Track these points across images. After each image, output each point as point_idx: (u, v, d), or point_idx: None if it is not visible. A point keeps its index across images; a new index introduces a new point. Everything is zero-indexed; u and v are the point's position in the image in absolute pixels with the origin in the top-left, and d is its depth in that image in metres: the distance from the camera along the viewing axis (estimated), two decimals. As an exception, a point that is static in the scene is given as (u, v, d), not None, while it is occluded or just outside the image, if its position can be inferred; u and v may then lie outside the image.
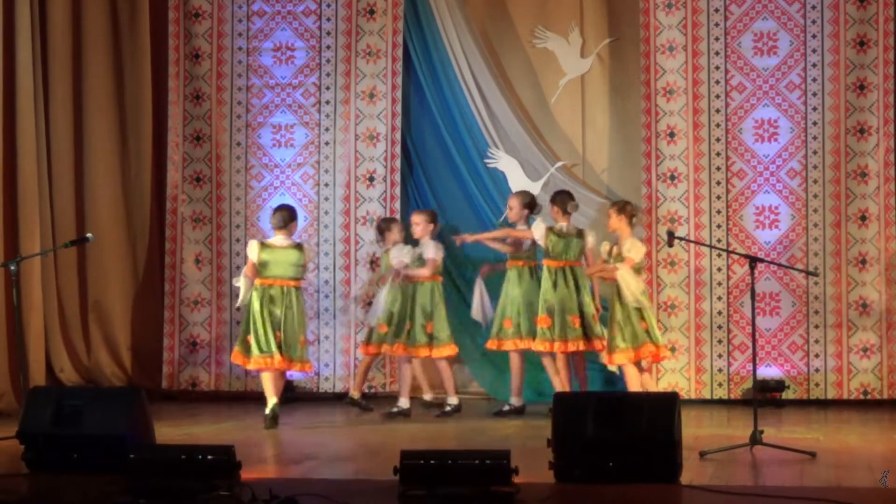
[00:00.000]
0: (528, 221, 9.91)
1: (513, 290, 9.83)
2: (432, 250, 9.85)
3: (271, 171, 11.18)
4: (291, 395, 10.75)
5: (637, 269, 9.23)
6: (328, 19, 11.17)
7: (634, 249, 9.18)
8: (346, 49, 11.10)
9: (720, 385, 10.41)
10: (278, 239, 9.39)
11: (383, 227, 10.25)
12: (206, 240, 11.14)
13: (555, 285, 9.60)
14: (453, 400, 9.83)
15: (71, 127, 10.85)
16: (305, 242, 10.14)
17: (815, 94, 10.44)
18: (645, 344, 9.08)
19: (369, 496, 6.07)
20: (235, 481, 5.95)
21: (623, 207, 9.32)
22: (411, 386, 9.91)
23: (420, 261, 9.87)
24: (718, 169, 10.53)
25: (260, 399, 10.20)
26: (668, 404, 6.36)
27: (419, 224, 9.95)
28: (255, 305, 9.19)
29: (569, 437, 6.30)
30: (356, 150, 11.01)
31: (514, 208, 9.94)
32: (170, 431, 8.44)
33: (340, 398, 10.85)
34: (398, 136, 11.00)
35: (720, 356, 10.40)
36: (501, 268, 10.09)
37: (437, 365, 9.88)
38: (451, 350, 9.88)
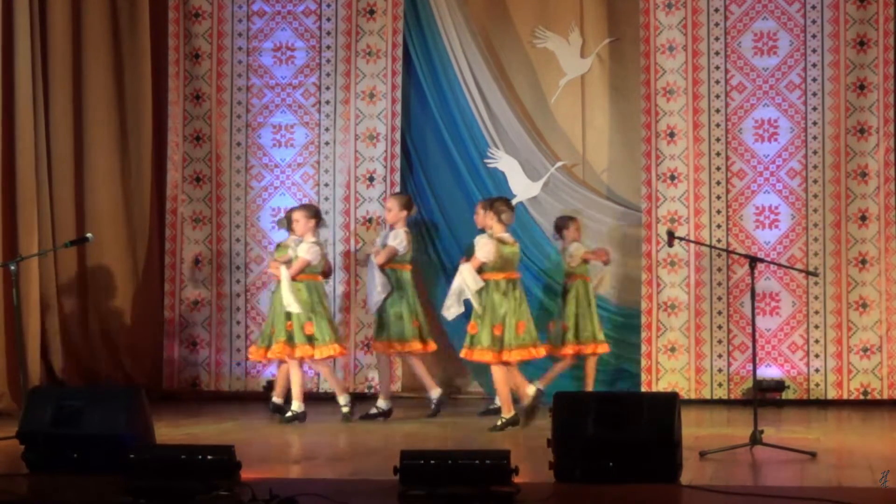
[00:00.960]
0: (406, 222, 9.76)
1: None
2: (304, 249, 9.46)
3: (271, 171, 11.18)
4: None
5: (497, 268, 9.03)
6: (328, 19, 11.17)
7: (482, 249, 9.03)
8: (346, 49, 11.10)
9: (720, 385, 10.41)
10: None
11: (561, 224, 10.10)
12: (206, 240, 11.14)
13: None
14: (342, 400, 9.56)
15: (71, 127, 10.85)
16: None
17: (815, 94, 10.44)
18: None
19: (369, 496, 6.07)
20: (235, 481, 5.95)
21: (491, 204, 9.26)
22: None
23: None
24: (718, 169, 10.54)
25: (259, 399, 10.22)
26: (668, 404, 6.36)
27: (299, 220, 9.58)
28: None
29: (569, 437, 6.30)
30: (356, 150, 11.01)
31: (392, 210, 9.73)
32: (170, 431, 8.43)
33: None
34: (398, 136, 11.00)
35: (720, 356, 10.40)
36: None
37: (317, 367, 9.65)
38: (332, 350, 9.55)
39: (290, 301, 9.35)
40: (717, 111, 10.54)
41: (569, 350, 9.91)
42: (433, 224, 11.29)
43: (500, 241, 9.06)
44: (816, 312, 10.35)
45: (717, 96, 10.54)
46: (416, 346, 9.69)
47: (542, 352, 9.33)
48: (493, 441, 8.33)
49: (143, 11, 11.18)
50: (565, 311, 9.92)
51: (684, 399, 9.06)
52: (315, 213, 9.67)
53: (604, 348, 10.03)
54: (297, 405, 9.42)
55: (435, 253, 11.27)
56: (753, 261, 7.87)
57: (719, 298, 10.44)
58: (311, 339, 9.41)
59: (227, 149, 11.21)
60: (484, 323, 8.97)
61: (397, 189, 10.93)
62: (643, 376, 10.46)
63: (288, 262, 9.50)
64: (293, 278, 9.38)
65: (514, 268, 9.18)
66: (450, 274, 11.09)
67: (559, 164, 11.09)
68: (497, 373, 9.03)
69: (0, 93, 9.97)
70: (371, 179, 10.98)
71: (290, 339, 9.39)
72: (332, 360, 9.85)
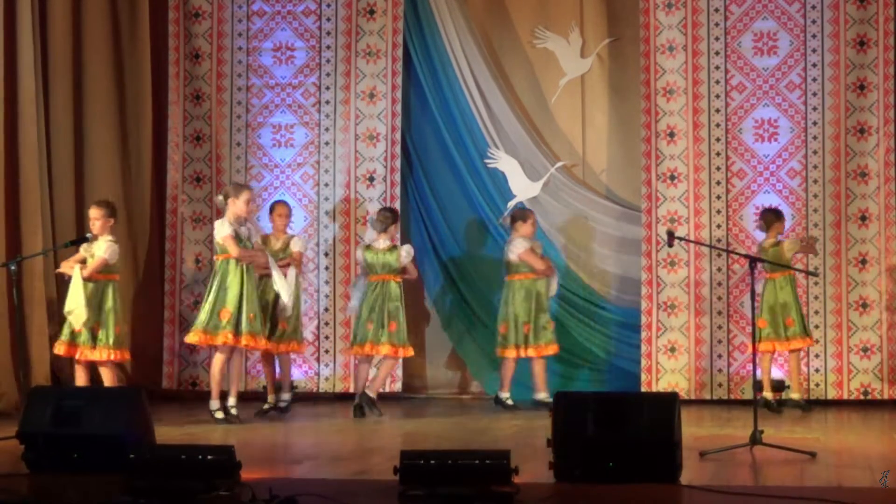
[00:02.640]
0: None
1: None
2: (102, 248, 9.22)
3: (271, 171, 11.18)
4: (295, 394, 10.75)
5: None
6: (328, 19, 11.17)
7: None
8: (346, 49, 11.10)
9: (720, 385, 10.41)
10: None
11: (771, 218, 10.00)
12: (206, 240, 11.14)
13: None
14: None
15: (71, 127, 10.84)
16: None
17: (815, 94, 10.44)
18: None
19: (369, 496, 6.07)
20: (235, 481, 5.94)
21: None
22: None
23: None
24: (718, 169, 10.54)
25: (259, 399, 10.18)
26: (668, 404, 6.36)
27: (98, 219, 9.26)
28: None
29: (569, 437, 6.29)
30: (356, 150, 11.01)
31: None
32: (170, 431, 8.43)
33: (340, 398, 10.86)
34: (398, 136, 11.00)
35: (720, 356, 10.40)
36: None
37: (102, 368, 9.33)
38: (109, 355, 9.24)
39: (78, 303, 9.04)
40: (717, 111, 10.54)
41: (767, 347, 9.89)
42: (433, 224, 11.30)
43: (367, 248, 9.99)
44: (816, 312, 10.35)
45: (717, 96, 10.54)
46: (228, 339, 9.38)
47: (381, 350, 9.83)
48: (493, 441, 8.33)
49: (143, 11, 11.18)
50: (762, 307, 9.89)
51: (684, 399, 9.07)
52: (113, 212, 9.44)
53: (796, 344, 9.90)
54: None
55: (434, 252, 11.28)
56: (753, 261, 7.87)
57: (719, 298, 10.44)
58: (95, 339, 9.17)
59: (227, 149, 11.21)
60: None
61: (398, 189, 10.94)
62: (643, 376, 10.46)
63: (83, 262, 9.23)
64: (90, 278, 9.14)
65: (380, 271, 9.88)
66: (449, 272, 11.14)
67: (559, 164, 11.09)
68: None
69: (3, 93, 9.96)
70: (371, 179, 10.98)
71: (73, 339, 9.14)
72: (112, 364, 9.41)
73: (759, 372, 9.44)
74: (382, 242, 9.91)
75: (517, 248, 10.11)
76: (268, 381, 10.08)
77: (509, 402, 10.15)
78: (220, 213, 11.07)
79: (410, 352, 10.08)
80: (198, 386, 11.05)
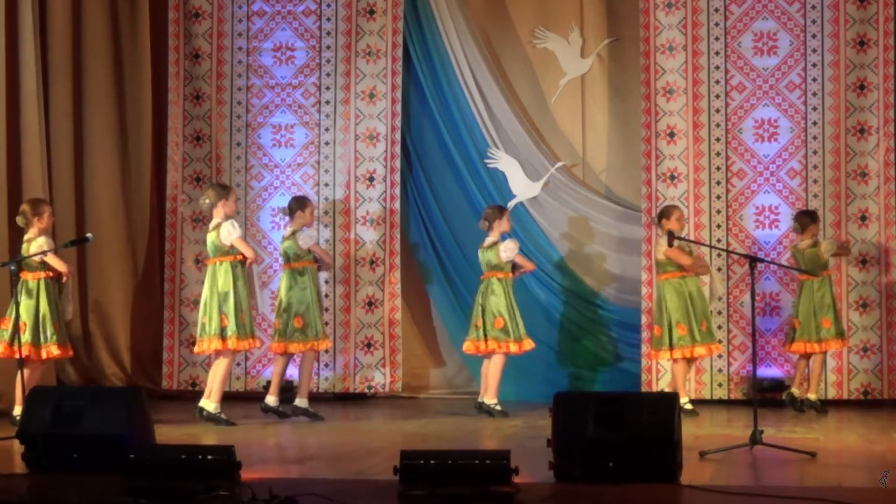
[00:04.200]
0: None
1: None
2: (51, 246, 9.13)
3: (271, 171, 11.18)
4: (291, 395, 10.74)
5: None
6: (328, 19, 11.17)
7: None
8: (346, 49, 11.10)
9: (720, 385, 10.40)
10: None
11: (808, 220, 9.96)
12: (206, 240, 11.12)
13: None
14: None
15: (71, 127, 10.85)
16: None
17: (815, 94, 10.44)
18: None
19: (369, 496, 6.06)
20: (235, 481, 5.94)
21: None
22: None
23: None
24: (718, 169, 10.54)
25: (259, 399, 10.18)
26: (668, 404, 6.36)
27: (49, 216, 9.20)
28: None
29: (569, 437, 6.29)
30: (356, 150, 11.01)
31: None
32: (170, 431, 8.43)
33: (340, 398, 10.86)
34: (398, 136, 11.00)
35: (720, 356, 10.39)
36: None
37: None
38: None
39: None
40: (717, 111, 10.54)
41: (798, 348, 9.90)
42: (433, 224, 11.29)
43: (480, 247, 9.91)
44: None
45: (717, 96, 10.54)
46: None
47: (486, 346, 9.80)
48: (493, 441, 8.33)
49: (143, 12, 11.19)
50: (798, 308, 9.91)
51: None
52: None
53: (831, 345, 9.88)
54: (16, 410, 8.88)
55: (434, 252, 11.28)
56: (753, 261, 7.87)
57: (719, 298, 10.44)
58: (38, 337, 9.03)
59: (227, 149, 11.21)
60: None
61: (398, 189, 10.93)
62: (643, 376, 10.45)
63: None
64: (46, 276, 9.05)
65: (485, 269, 9.92)
66: (449, 273, 11.14)
67: (559, 164, 11.09)
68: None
69: (5, 94, 9.96)
70: (371, 179, 10.98)
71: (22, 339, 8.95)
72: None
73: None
74: (489, 240, 9.95)
75: (662, 246, 9.68)
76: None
77: (688, 406, 9.57)
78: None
79: (526, 345, 9.86)
80: (198, 386, 11.04)
